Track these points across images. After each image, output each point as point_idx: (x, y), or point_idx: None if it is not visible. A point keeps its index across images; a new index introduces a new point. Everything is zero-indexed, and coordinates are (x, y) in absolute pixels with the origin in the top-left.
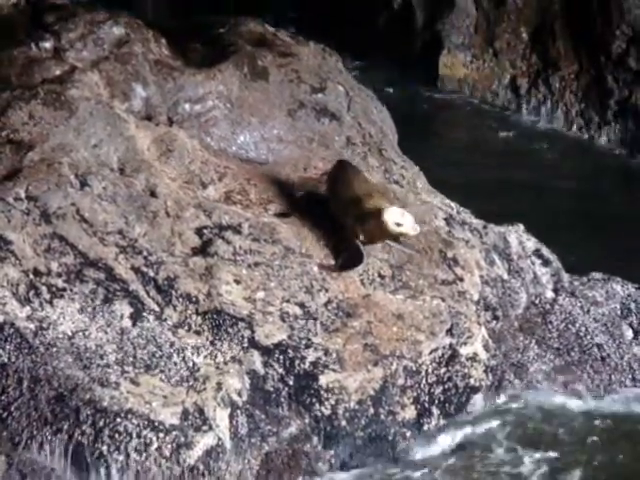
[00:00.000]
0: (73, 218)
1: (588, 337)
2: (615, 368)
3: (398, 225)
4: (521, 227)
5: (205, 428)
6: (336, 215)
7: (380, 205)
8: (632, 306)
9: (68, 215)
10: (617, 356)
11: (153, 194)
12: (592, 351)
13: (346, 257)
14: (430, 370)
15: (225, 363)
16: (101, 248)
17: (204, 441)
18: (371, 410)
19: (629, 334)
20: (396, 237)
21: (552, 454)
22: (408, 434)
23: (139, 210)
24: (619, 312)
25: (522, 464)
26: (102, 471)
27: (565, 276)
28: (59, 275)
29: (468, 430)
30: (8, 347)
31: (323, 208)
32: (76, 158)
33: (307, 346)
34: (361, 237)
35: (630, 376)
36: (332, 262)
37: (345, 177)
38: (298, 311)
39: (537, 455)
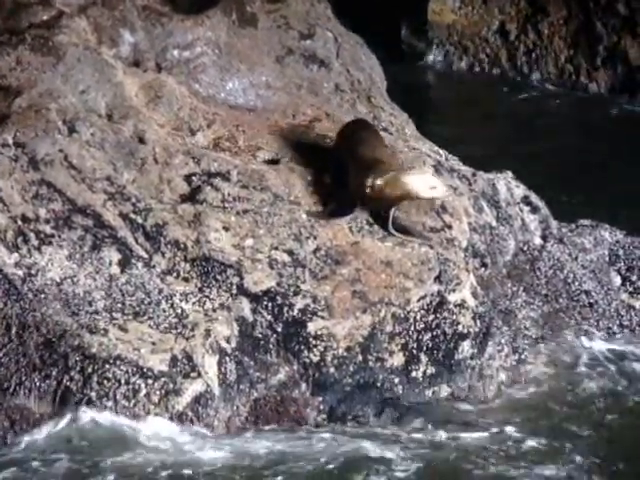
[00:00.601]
0: (61, 165)
1: (576, 284)
2: (603, 314)
3: (432, 188)
4: (509, 174)
5: (194, 375)
6: (346, 169)
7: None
8: (620, 252)
9: (56, 161)
10: (605, 302)
11: (141, 140)
12: (580, 297)
13: (336, 206)
14: (418, 317)
15: (214, 310)
16: (89, 195)
17: (193, 388)
18: (359, 357)
19: (617, 281)
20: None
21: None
22: (396, 381)
23: (127, 157)
24: (607, 259)
25: None
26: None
27: (553, 223)
28: (47, 222)
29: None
30: None
31: (324, 156)
32: (64, 104)
33: (295, 293)
34: (368, 191)
35: (618, 322)
36: (320, 209)
37: (369, 136)
38: (287, 258)
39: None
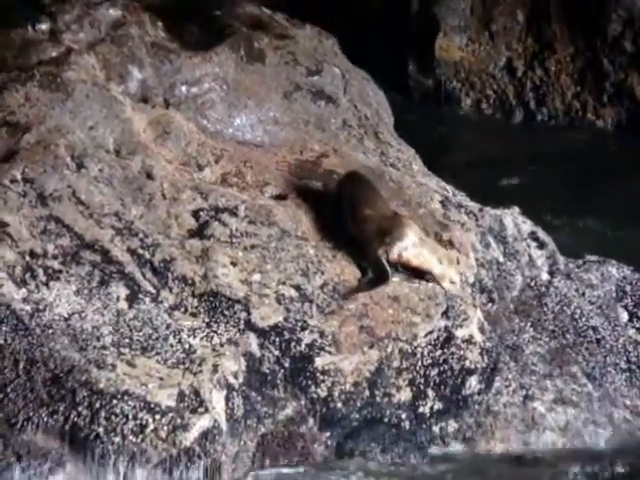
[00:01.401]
0: (69, 200)
1: (583, 319)
2: (610, 350)
3: (452, 283)
4: (517, 210)
5: (201, 410)
6: (358, 232)
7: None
8: (627, 288)
9: (64, 197)
10: (612, 338)
11: (149, 176)
12: (587, 333)
13: (373, 275)
14: (426, 352)
15: (221, 345)
16: (97, 230)
17: (200, 423)
18: (367, 392)
19: (624, 316)
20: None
21: None
22: (404, 416)
23: (135, 192)
24: (614, 294)
25: None
26: (98, 453)
27: (560, 259)
28: (55, 257)
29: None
30: (4, 329)
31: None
32: (72, 140)
33: (303, 328)
34: (394, 258)
35: (625, 358)
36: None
37: (361, 192)
38: (294, 293)
39: None
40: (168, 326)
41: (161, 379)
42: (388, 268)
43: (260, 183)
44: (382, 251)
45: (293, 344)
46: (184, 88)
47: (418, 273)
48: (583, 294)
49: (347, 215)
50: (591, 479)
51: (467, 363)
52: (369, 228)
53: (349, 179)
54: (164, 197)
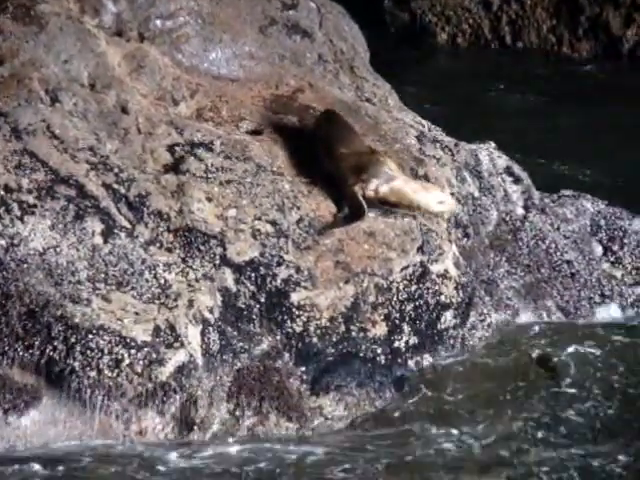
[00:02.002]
0: (43, 134)
1: (558, 254)
2: (584, 284)
3: (440, 203)
4: (492, 145)
5: (177, 345)
6: (334, 170)
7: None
8: (602, 223)
9: (38, 131)
10: (586, 272)
11: (124, 110)
12: (562, 267)
13: (349, 211)
14: (401, 287)
15: (197, 280)
16: (72, 165)
17: (176, 358)
18: (342, 327)
19: (598, 250)
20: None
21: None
22: (379, 351)
23: (110, 127)
24: (589, 229)
25: None
26: (74, 387)
27: (535, 193)
28: (30, 192)
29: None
30: None
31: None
32: (46, 74)
33: (279, 263)
34: (371, 194)
35: (599, 292)
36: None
37: (338, 130)
38: (270, 229)
39: None
40: (143, 261)
41: (136, 314)
42: (364, 204)
43: (236, 118)
44: (358, 187)
45: (269, 279)
46: (159, 22)
47: (397, 207)
48: (558, 228)
49: (323, 153)
50: None
51: (442, 298)
52: (345, 165)
53: (325, 118)
54: (139, 132)
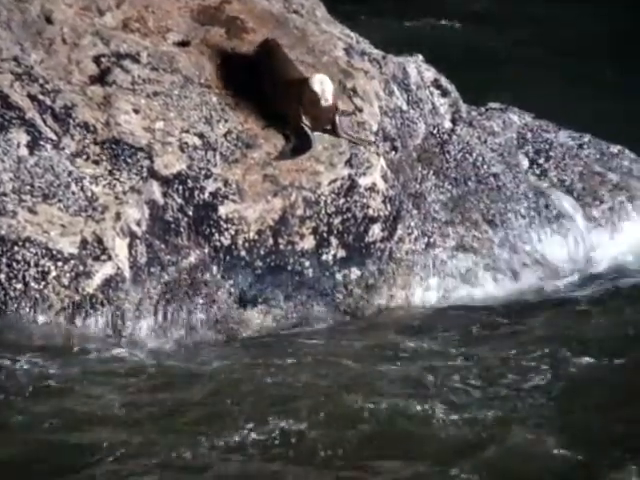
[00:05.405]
0: None
1: (485, 167)
2: (510, 197)
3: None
4: (420, 57)
5: (104, 257)
6: (275, 100)
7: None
8: (528, 135)
9: None
10: (513, 185)
11: (49, 20)
12: (488, 180)
13: (296, 143)
14: (329, 201)
15: (124, 193)
16: None
17: (103, 270)
18: (270, 240)
19: (525, 163)
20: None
21: None
22: (307, 264)
23: (34, 37)
24: (515, 142)
25: None
26: None
27: (463, 106)
28: None
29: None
30: None
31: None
32: None
33: (207, 176)
34: (307, 121)
35: (525, 205)
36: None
37: (278, 62)
38: (197, 141)
39: None
40: (70, 173)
41: (63, 226)
42: (312, 135)
43: (162, 29)
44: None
45: (197, 192)
46: None
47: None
48: (485, 141)
49: (268, 86)
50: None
51: (370, 211)
52: (286, 97)
53: (265, 49)
54: (64, 42)
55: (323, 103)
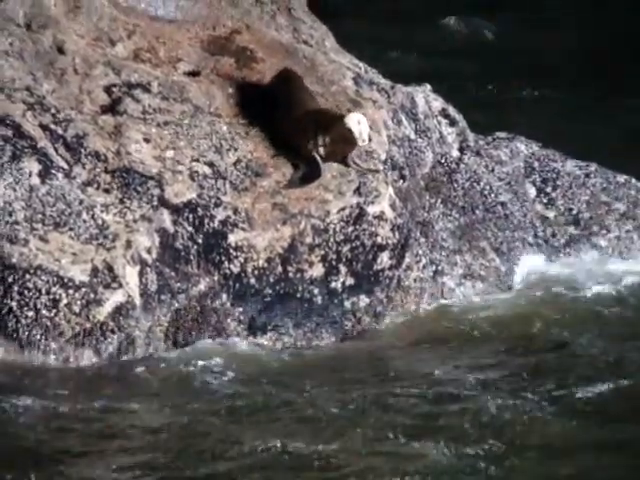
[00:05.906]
0: None
1: (492, 195)
2: (518, 225)
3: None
4: (428, 87)
5: (115, 285)
6: (289, 129)
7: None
8: (535, 164)
9: None
10: (520, 214)
11: (61, 51)
12: (496, 209)
13: (305, 171)
14: (338, 229)
15: (134, 221)
16: (8, 104)
17: (113, 298)
18: (279, 268)
19: (532, 192)
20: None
21: None
22: (316, 292)
23: (47, 67)
24: (522, 170)
25: None
26: (11, 326)
27: (470, 135)
28: None
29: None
30: None
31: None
32: None
33: (216, 205)
34: (321, 151)
35: (532, 233)
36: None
37: (296, 92)
38: (207, 170)
39: None
40: (81, 202)
41: (74, 254)
42: (321, 164)
43: (173, 59)
44: (314, 147)
45: (206, 220)
46: None
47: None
48: (492, 170)
49: (282, 115)
50: None
51: (378, 239)
52: (302, 127)
53: (282, 79)
54: (76, 72)
55: (360, 143)
